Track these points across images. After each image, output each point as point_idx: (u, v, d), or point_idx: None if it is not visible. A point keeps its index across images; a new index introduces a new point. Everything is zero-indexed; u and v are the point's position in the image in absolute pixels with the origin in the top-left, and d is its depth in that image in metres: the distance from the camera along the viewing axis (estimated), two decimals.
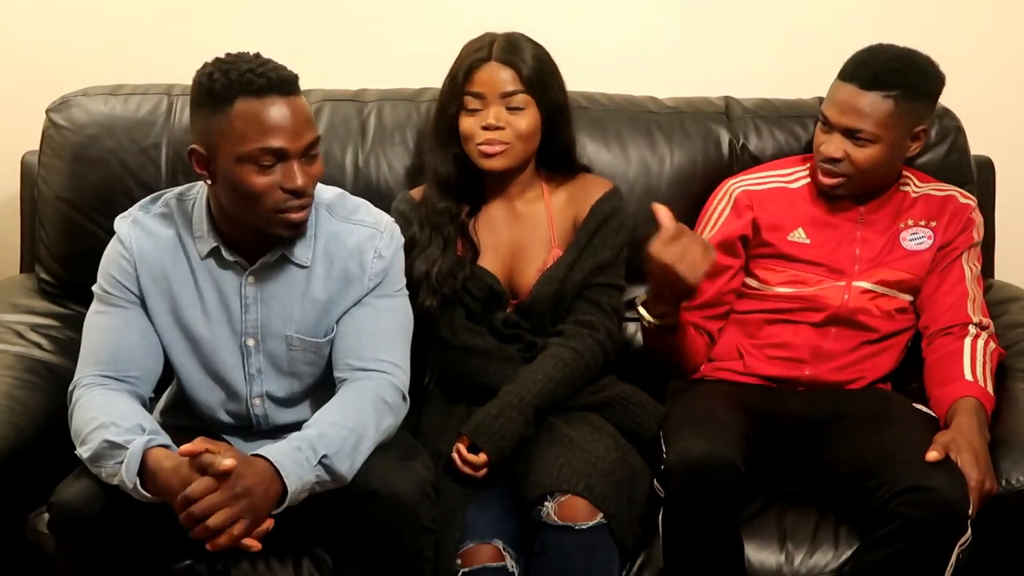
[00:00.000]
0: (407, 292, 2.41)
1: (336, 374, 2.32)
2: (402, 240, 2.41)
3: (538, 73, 2.53)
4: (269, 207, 2.16)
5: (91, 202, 2.76)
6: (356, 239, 2.31)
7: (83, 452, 2.17)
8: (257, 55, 2.15)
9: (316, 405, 2.30)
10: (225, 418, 2.40)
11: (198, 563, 2.35)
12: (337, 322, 2.32)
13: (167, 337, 2.33)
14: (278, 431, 2.35)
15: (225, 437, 2.37)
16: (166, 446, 2.13)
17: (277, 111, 2.10)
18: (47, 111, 2.82)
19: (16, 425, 2.39)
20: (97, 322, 2.31)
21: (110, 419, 2.16)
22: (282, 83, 2.10)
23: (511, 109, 2.51)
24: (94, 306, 2.33)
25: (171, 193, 2.35)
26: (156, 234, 2.30)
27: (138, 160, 2.78)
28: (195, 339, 2.33)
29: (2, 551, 2.37)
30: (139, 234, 2.30)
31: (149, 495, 2.10)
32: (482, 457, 2.38)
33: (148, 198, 2.36)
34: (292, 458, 2.10)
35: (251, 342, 2.32)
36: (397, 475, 2.18)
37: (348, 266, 2.31)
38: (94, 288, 2.33)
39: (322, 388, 2.36)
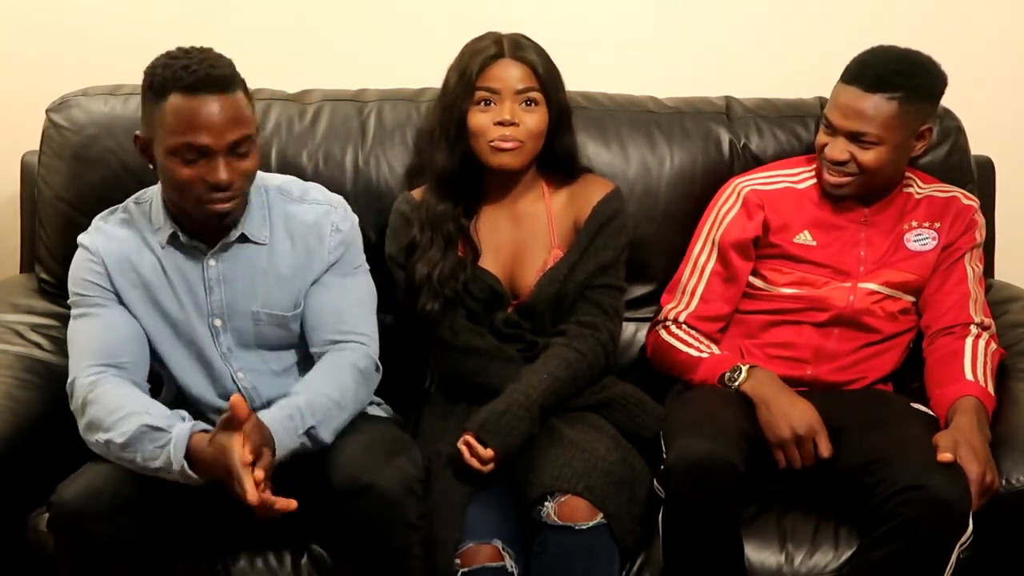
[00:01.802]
0: (368, 267, 2.50)
1: (313, 350, 2.40)
2: (355, 218, 2.48)
3: (549, 72, 2.54)
4: (193, 197, 2.24)
5: (91, 202, 2.74)
6: (313, 215, 2.40)
7: (114, 437, 2.19)
8: (204, 51, 2.21)
9: (281, 360, 2.43)
10: (219, 402, 2.42)
11: (198, 563, 2.36)
12: (305, 299, 2.40)
13: (148, 324, 2.37)
14: (258, 394, 2.42)
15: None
16: (205, 430, 2.18)
17: (204, 108, 2.16)
18: (47, 111, 2.82)
19: (16, 425, 2.39)
20: (83, 325, 2.36)
21: (142, 407, 2.22)
22: (213, 81, 2.16)
23: (524, 105, 2.52)
24: (74, 313, 2.38)
25: (128, 200, 2.44)
26: (119, 236, 2.38)
27: (138, 160, 2.74)
28: (173, 322, 2.38)
29: (2, 551, 2.37)
30: (102, 239, 2.38)
31: (195, 475, 2.14)
32: (490, 452, 2.37)
33: (107, 210, 2.45)
34: (285, 427, 2.19)
35: (218, 322, 2.38)
36: (382, 472, 2.20)
37: (308, 242, 2.39)
38: (70, 300, 2.38)
39: (300, 361, 2.44)
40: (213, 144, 2.18)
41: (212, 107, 2.17)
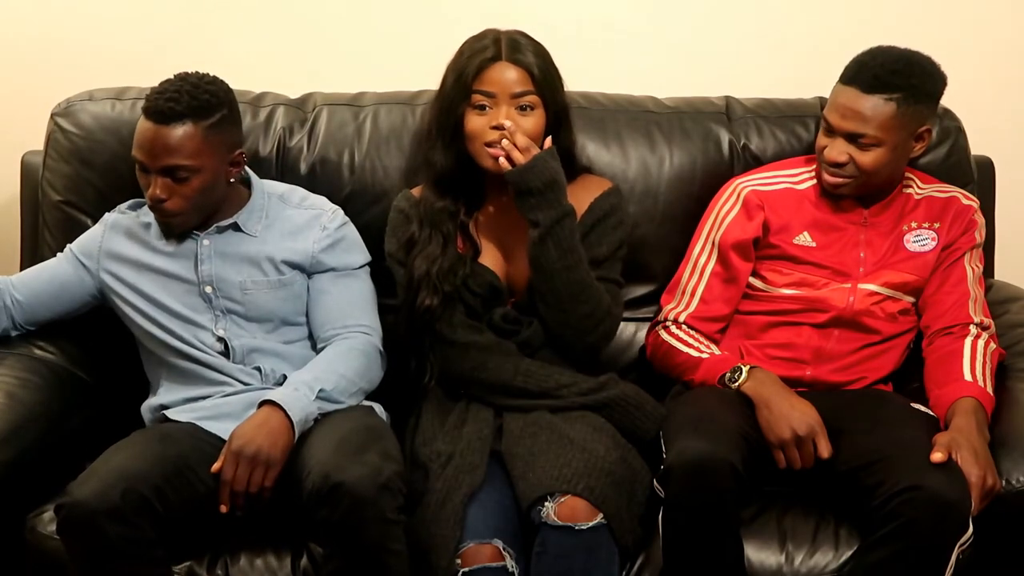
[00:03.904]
0: (368, 270, 2.64)
1: (320, 344, 2.57)
2: (348, 221, 2.63)
3: (546, 74, 2.54)
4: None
5: (96, 206, 2.75)
6: (305, 218, 2.62)
7: None
8: (193, 81, 2.47)
9: (284, 335, 2.59)
10: (204, 349, 2.54)
11: (198, 565, 2.36)
12: (308, 304, 2.59)
13: (138, 292, 2.56)
14: (253, 358, 2.55)
15: (210, 366, 2.54)
16: None
17: (147, 133, 2.44)
18: (53, 115, 2.82)
19: (16, 425, 2.40)
20: (48, 260, 2.69)
21: None
22: (160, 112, 2.43)
23: (520, 109, 2.52)
24: None
25: None
26: (133, 217, 2.63)
27: None
28: (166, 281, 2.56)
29: (2, 551, 2.37)
30: (116, 215, 2.65)
31: None
32: (522, 138, 2.46)
33: (137, 200, 2.65)
34: (293, 397, 2.37)
35: (208, 289, 2.55)
36: (352, 469, 2.22)
37: (296, 237, 2.59)
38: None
39: (297, 340, 2.60)
40: (148, 164, 2.45)
41: (151, 134, 2.43)
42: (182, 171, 2.43)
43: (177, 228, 2.53)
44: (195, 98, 2.43)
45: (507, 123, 2.47)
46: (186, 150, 2.42)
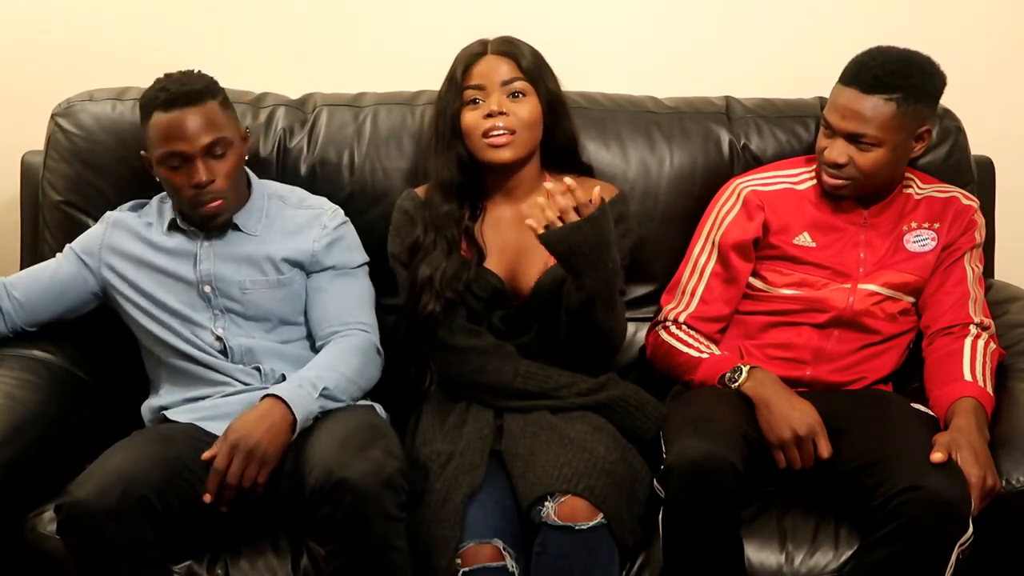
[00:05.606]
0: (367, 269, 2.65)
1: (317, 344, 2.58)
2: (347, 220, 2.65)
3: (534, 64, 2.55)
4: (186, 200, 2.52)
5: (97, 206, 2.75)
6: (305, 217, 2.63)
7: None
8: (186, 73, 2.53)
9: (282, 334, 2.60)
10: (203, 348, 2.55)
11: (197, 565, 2.36)
12: (306, 302, 2.60)
13: (139, 291, 2.57)
14: (252, 357, 2.56)
15: (209, 366, 2.55)
16: None
17: (176, 120, 2.45)
18: (53, 115, 2.82)
19: (16, 425, 2.40)
20: (49, 260, 2.68)
21: None
22: (183, 96, 2.47)
23: (512, 96, 2.52)
24: None
25: (155, 197, 2.67)
26: (135, 216, 2.65)
27: (144, 165, 2.78)
28: (166, 281, 2.57)
29: (2, 551, 2.37)
30: (118, 214, 2.66)
31: None
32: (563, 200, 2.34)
33: (137, 201, 2.70)
34: (297, 394, 2.38)
35: (207, 288, 2.57)
36: (356, 465, 2.22)
37: (297, 236, 2.61)
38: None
39: (296, 340, 2.61)
40: (188, 149, 2.46)
41: (184, 118, 2.45)
42: (220, 145, 2.48)
43: (221, 218, 2.53)
44: (199, 80, 2.50)
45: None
46: (218, 123, 2.48)
